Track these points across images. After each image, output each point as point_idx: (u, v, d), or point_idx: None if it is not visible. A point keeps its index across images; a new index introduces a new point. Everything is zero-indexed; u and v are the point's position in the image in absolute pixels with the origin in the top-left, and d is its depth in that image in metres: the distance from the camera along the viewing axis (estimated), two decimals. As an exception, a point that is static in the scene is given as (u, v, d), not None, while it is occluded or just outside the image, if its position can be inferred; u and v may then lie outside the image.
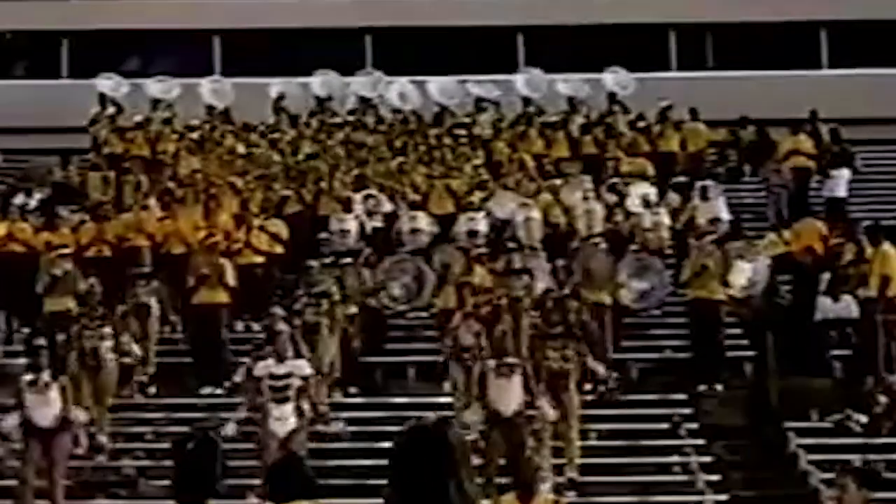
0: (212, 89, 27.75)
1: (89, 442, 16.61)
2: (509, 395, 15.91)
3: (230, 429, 15.61)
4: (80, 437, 16.26)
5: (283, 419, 15.56)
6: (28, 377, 15.92)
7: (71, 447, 15.92)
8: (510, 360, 16.08)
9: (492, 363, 16.12)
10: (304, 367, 15.99)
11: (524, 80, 28.13)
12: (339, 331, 19.16)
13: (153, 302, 19.81)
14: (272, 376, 15.69)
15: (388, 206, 23.49)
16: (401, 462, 4.34)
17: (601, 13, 30.83)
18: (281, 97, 27.37)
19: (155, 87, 27.85)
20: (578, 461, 16.71)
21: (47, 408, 15.72)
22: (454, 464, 4.23)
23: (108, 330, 17.95)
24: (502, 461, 15.52)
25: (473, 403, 16.39)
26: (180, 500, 5.51)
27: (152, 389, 19.44)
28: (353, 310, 19.72)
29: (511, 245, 21.55)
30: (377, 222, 23.10)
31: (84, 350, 17.65)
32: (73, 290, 19.38)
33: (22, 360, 17.82)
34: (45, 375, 15.86)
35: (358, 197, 23.30)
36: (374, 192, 23.63)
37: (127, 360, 18.43)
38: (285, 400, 15.62)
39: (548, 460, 16.20)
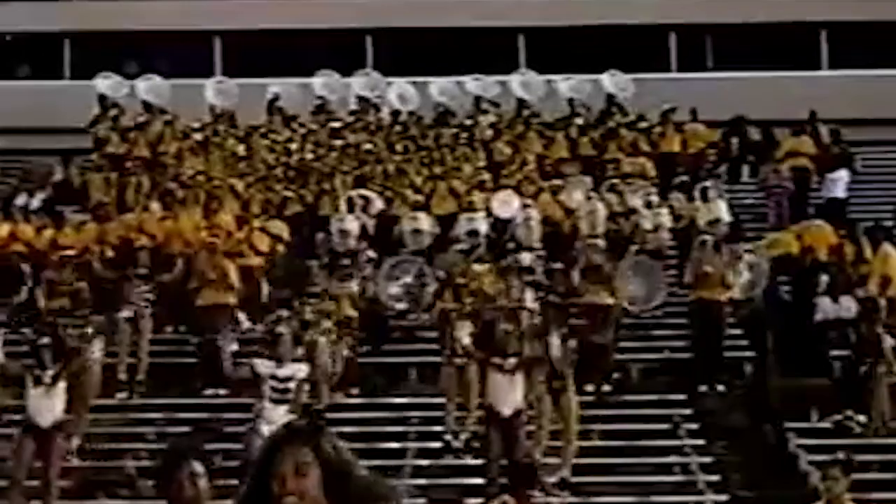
0: (217, 89, 27.80)
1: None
2: (509, 396, 15.95)
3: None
4: (73, 440, 16.41)
5: (276, 421, 15.53)
6: (33, 376, 15.95)
7: (66, 449, 15.95)
8: (512, 360, 16.12)
9: (495, 361, 16.15)
10: (304, 369, 16.07)
11: (520, 83, 28.17)
12: (338, 331, 19.18)
13: (146, 303, 19.81)
14: (274, 377, 15.75)
15: (379, 205, 23.47)
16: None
17: (601, 14, 30.84)
18: (276, 98, 27.38)
19: (143, 86, 27.89)
20: (574, 461, 16.73)
21: (49, 408, 15.75)
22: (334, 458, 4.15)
23: (91, 333, 17.94)
24: (503, 461, 15.60)
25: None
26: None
27: (122, 395, 19.34)
28: (353, 311, 19.75)
29: (511, 246, 21.60)
30: (370, 221, 23.09)
31: (66, 352, 17.59)
32: (73, 291, 19.41)
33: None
34: (50, 375, 15.89)
35: (352, 195, 23.28)
36: (364, 191, 23.60)
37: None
38: (283, 402, 15.67)
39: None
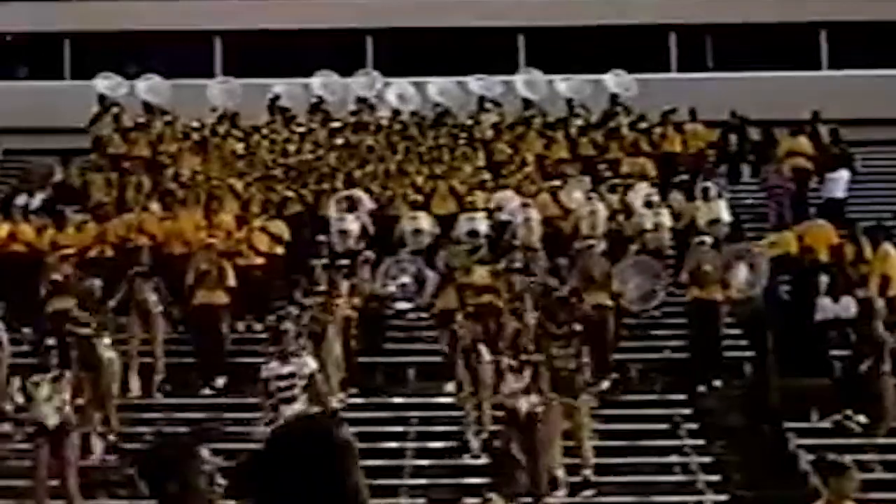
0: (222, 89, 27.81)
1: (101, 444, 16.81)
2: (525, 395, 16.01)
3: (259, 433, 15.60)
4: (94, 440, 16.44)
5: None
6: (36, 377, 15.92)
7: (79, 447, 15.99)
8: (524, 357, 16.20)
9: (508, 362, 16.21)
10: (309, 363, 16.03)
11: (524, 82, 28.17)
12: (339, 331, 19.17)
13: (154, 300, 19.82)
14: (278, 377, 15.74)
15: (369, 205, 23.44)
16: (282, 459, 4.04)
17: (602, 14, 30.85)
18: (276, 98, 27.38)
19: (143, 86, 27.91)
20: (593, 460, 16.78)
21: (56, 408, 15.76)
22: (343, 460, 4.07)
23: (107, 332, 17.99)
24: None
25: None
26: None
27: (158, 394, 19.50)
28: (353, 311, 19.75)
29: (511, 245, 21.60)
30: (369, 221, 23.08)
31: (83, 351, 17.66)
32: (75, 291, 19.42)
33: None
34: (53, 377, 15.90)
35: (340, 196, 23.26)
36: (355, 191, 23.57)
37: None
38: (293, 399, 15.64)
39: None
